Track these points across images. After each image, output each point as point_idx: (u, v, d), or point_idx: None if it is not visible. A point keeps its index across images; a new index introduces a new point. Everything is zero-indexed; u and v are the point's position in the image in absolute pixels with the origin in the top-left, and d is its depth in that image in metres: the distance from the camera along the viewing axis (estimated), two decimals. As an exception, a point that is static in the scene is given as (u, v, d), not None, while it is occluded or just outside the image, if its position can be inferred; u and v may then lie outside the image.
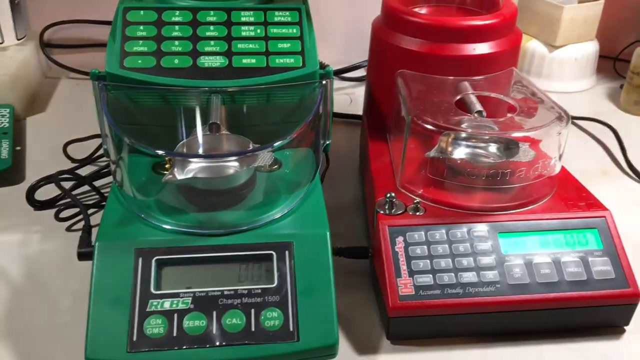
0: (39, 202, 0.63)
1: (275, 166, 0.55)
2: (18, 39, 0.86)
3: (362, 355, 0.49)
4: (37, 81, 0.88)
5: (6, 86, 0.78)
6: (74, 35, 0.95)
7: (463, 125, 0.53)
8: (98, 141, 0.72)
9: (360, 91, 0.93)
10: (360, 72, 0.96)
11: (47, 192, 0.64)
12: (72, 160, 0.71)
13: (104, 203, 0.62)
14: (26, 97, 0.83)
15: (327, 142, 0.58)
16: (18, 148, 0.73)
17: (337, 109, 0.84)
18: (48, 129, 0.79)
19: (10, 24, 0.84)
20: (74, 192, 0.64)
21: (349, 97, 0.91)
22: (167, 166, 0.53)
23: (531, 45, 0.93)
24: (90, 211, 0.60)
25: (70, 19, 0.93)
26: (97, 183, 0.65)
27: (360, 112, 0.85)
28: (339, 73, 0.94)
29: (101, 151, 0.70)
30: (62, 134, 0.75)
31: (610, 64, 1.01)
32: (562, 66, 0.93)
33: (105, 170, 0.67)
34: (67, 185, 0.64)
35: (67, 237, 0.60)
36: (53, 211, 0.62)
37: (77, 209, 0.62)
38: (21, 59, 0.83)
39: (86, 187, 0.65)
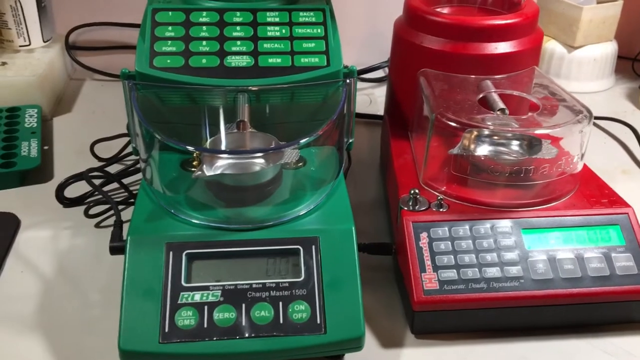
0: (68, 200, 0.65)
1: (300, 164, 0.56)
2: (44, 41, 0.87)
3: (387, 348, 0.50)
4: (62, 82, 0.90)
5: (34, 87, 0.80)
6: (97, 37, 0.97)
7: (486, 123, 0.54)
8: (123, 140, 0.73)
9: (379, 92, 0.94)
10: (379, 74, 0.97)
11: (75, 189, 0.66)
12: (99, 159, 0.72)
13: (132, 200, 0.64)
14: (53, 98, 0.84)
15: (351, 141, 0.59)
16: (46, 147, 0.75)
17: (356, 109, 0.85)
18: (74, 129, 0.80)
19: (37, 26, 0.86)
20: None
21: (368, 98, 0.91)
22: (194, 163, 0.55)
23: (550, 45, 0.93)
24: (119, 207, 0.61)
25: (94, 22, 0.95)
26: (124, 181, 0.67)
27: (379, 112, 0.86)
28: (357, 74, 0.95)
29: (127, 150, 0.71)
30: (87, 134, 0.77)
31: (629, 64, 1.01)
32: (581, 66, 0.93)
33: (131, 168, 0.68)
34: (95, 183, 0.65)
35: (96, 233, 0.61)
36: (81, 208, 0.64)
37: (106, 206, 0.63)
38: (48, 60, 0.85)
39: (113, 185, 0.66)
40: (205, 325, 0.44)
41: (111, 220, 0.63)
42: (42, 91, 0.81)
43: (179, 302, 0.45)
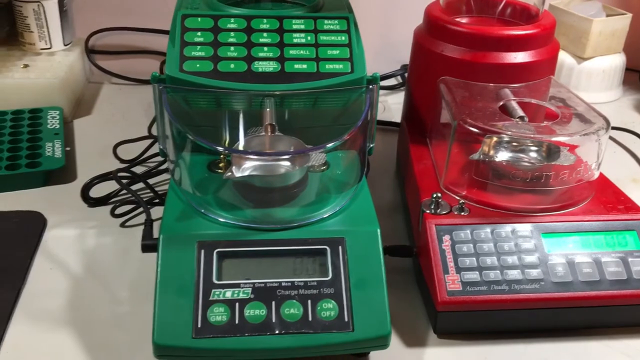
0: (93, 199, 0.66)
1: (324, 167, 0.57)
2: (65, 45, 0.89)
3: (411, 347, 0.51)
4: (82, 85, 0.91)
5: (55, 89, 0.81)
6: (114, 42, 0.98)
7: (508, 130, 0.55)
8: (145, 143, 0.75)
9: (392, 99, 0.95)
10: (392, 81, 0.99)
11: (100, 190, 0.67)
12: (121, 160, 0.73)
13: (157, 200, 0.65)
14: (73, 101, 0.86)
15: (371, 146, 0.60)
16: (68, 148, 0.76)
17: (371, 115, 0.87)
18: (94, 131, 0.82)
19: (58, 30, 0.87)
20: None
21: (382, 105, 0.93)
22: (221, 165, 0.56)
23: (560, 56, 0.95)
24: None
25: (112, 27, 0.96)
26: (149, 181, 0.68)
27: (393, 119, 0.87)
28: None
29: (150, 152, 0.73)
30: (107, 136, 0.78)
31: (636, 76, 1.03)
32: (590, 78, 0.95)
33: (154, 170, 0.70)
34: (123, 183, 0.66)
35: (122, 232, 0.63)
36: (106, 208, 0.65)
37: (131, 206, 0.64)
38: (68, 63, 0.86)
39: (138, 186, 0.67)
40: (237, 322, 0.46)
41: (136, 220, 0.64)
42: (63, 93, 0.82)
43: (210, 298, 0.46)
